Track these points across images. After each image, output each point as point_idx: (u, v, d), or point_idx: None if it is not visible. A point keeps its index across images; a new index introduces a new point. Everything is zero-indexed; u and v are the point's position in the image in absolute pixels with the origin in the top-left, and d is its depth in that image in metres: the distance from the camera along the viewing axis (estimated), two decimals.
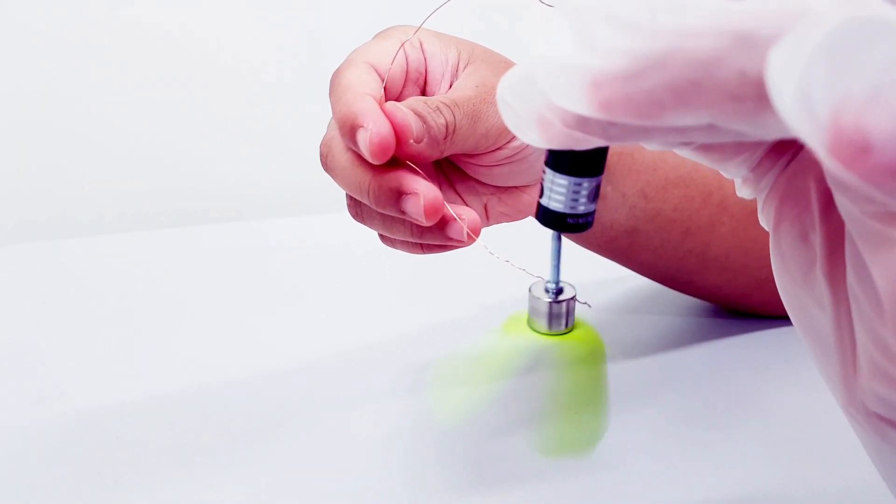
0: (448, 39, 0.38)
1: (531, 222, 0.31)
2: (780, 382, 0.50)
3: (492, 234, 0.38)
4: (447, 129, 0.34)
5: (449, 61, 0.38)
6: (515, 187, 0.40)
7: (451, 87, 0.38)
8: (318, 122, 0.39)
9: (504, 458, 0.42)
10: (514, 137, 0.37)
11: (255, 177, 0.83)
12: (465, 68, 0.38)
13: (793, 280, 0.24)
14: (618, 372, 0.50)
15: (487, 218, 0.41)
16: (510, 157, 0.37)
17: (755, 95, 0.18)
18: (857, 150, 0.15)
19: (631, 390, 0.48)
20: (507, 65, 0.39)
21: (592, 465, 0.43)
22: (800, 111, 0.16)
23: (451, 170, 0.40)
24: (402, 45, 0.36)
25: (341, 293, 0.60)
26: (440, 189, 0.39)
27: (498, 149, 0.37)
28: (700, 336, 0.54)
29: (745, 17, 0.18)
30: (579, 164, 0.27)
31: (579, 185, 0.27)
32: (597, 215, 0.48)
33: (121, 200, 0.80)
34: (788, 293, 0.25)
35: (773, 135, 0.19)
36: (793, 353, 0.52)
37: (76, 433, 0.45)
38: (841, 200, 0.20)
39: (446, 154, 0.35)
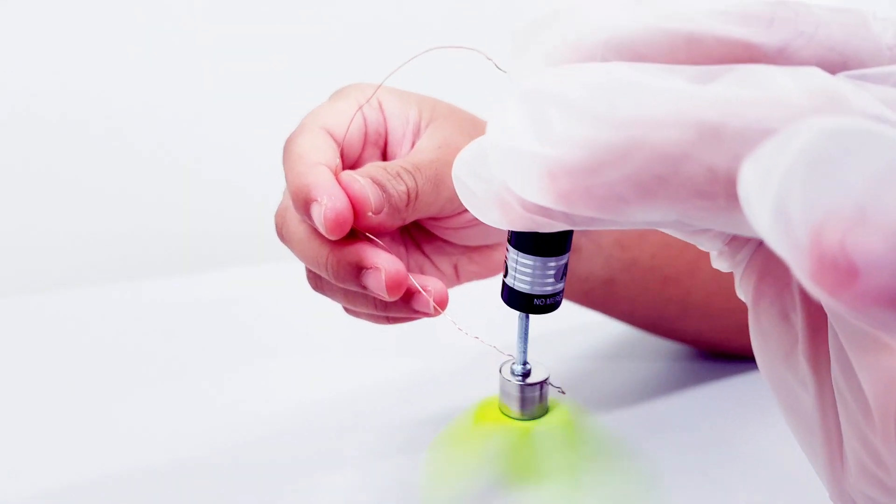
0: (408, 97, 0.36)
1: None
2: (767, 429, 0.48)
3: (465, 302, 0.36)
4: (409, 195, 0.32)
5: (410, 120, 0.36)
6: (485, 246, 0.38)
7: (412, 147, 0.36)
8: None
9: None
10: None
11: (227, 224, 0.81)
12: (426, 127, 0.36)
13: (774, 359, 0.23)
14: (597, 421, 0.48)
15: (458, 277, 0.39)
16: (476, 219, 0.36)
17: (726, 193, 0.16)
18: (842, 276, 0.13)
19: (612, 439, 0.47)
20: (470, 121, 0.37)
21: None
22: (778, 232, 0.14)
23: (417, 231, 0.38)
24: (360, 107, 0.34)
25: (308, 347, 0.58)
26: (406, 251, 0.38)
27: (464, 210, 0.35)
28: (682, 381, 0.53)
29: (713, 107, 0.16)
30: (544, 244, 0.25)
31: (546, 265, 0.26)
32: (572, 266, 0.47)
33: (77, 252, 0.78)
34: (770, 371, 0.24)
35: (746, 233, 0.17)
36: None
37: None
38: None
39: (409, 221, 0.33)
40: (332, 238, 0.30)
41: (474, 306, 0.43)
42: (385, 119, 0.36)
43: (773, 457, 0.45)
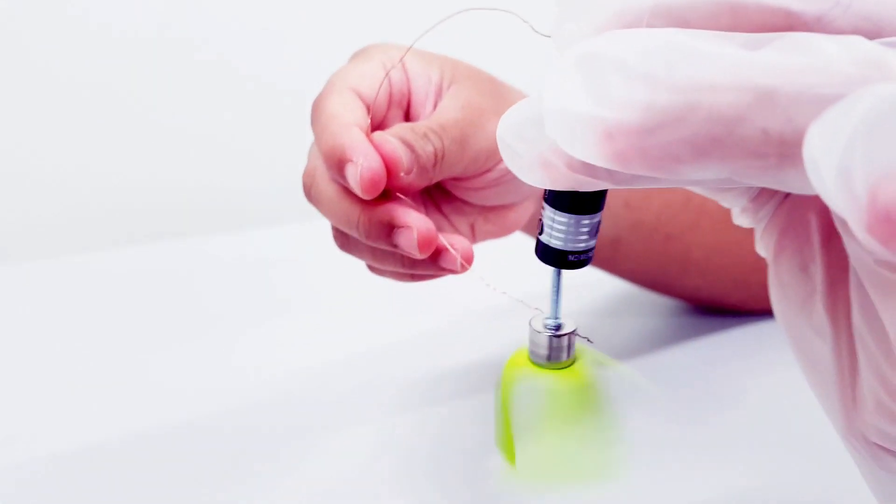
0: (430, 58, 0.37)
1: (528, 250, 0.30)
2: (764, 378, 0.50)
3: (488, 260, 0.37)
4: (436, 156, 0.33)
5: (432, 81, 0.36)
6: (502, 206, 0.39)
7: (434, 107, 0.36)
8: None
9: (496, 475, 0.42)
10: (502, 160, 0.36)
11: (247, 185, 0.81)
12: (448, 87, 0.37)
13: (791, 309, 0.24)
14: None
15: (473, 236, 0.40)
16: (498, 178, 0.37)
17: (778, 153, 0.17)
18: (894, 228, 0.14)
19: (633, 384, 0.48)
20: (490, 82, 0.38)
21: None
22: (840, 189, 0.15)
23: (436, 191, 0.39)
24: (388, 72, 0.34)
25: (330, 305, 0.59)
26: (426, 210, 0.39)
27: (486, 171, 0.36)
28: (680, 336, 0.54)
29: (768, 73, 0.17)
30: (580, 202, 0.26)
31: (580, 222, 0.27)
32: None
33: (91, 217, 0.78)
34: (786, 321, 0.25)
35: (794, 189, 0.19)
36: (774, 349, 0.52)
37: (50, 476, 0.43)
38: (853, 247, 0.20)
39: (434, 181, 0.34)
40: (367, 198, 0.31)
41: (496, 264, 0.44)
42: (408, 80, 0.36)
43: (769, 406, 0.47)
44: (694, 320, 0.56)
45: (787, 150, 0.17)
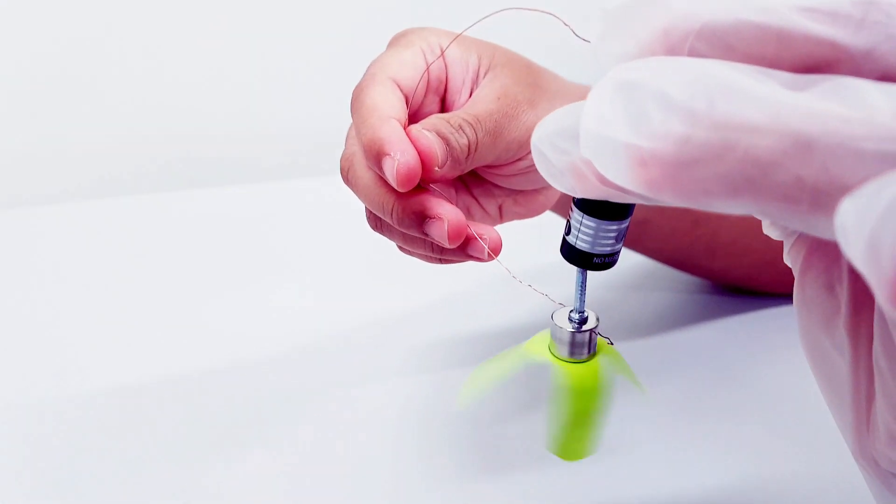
0: (468, 43, 0.37)
1: (554, 243, 0.31)
2: (786, 362, 0.49)
3: (514, 252, 0.38)
4: (469, 148, 0.33)
5: (470, 67, 0.37)
6: (531, 190, 0.40)
7: (471, 94, 0.37)
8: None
9: (509, 447, 0.43)
10: None
11: (272, 136, 0.82)
12: (485, 74, 0.37)
13: (813, 325, 0.24)
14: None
15: (501, 217, 0.41)
16: (529, 166, 0.37)
17: (810, 201, 0.18)
18: None
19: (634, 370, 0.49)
20: (527, 69, 0.38)
21: (600, 449, 0.44)
22: (868, 260, 0.16)
23: (467, 174, 0.39)
24: (429, 66, 0.35)
25: (350, 265, 0.60)
26: (455, 192, 0.39)
27: (518, 160, 0.37)
28: (702, 314, 0.55)
29: (809, 119, 0.18)
30: (610, 209, 0.27)
31: (608, 228, 0.27)
32: None
33: (128, 162, 0.79)
34: (807, 334, 0.25)
35: (822, 235, 0.19)
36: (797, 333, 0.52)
37: (98, 410, 0.46)
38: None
39: (465, 172, 0.35)
40: (402, 191, 0.32)
41: (523, 254, 0.45)
42: (446, 66, 0.37)
43: (788, 392, 0.47)
44: (718, 299, 0.56)
45: (821, 198, 0.17)
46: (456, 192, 0.39)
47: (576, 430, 0.32)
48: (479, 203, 0.40)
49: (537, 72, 0.38)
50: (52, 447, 0.43)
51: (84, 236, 0.65)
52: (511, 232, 0.42)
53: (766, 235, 0.54)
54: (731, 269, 0.53)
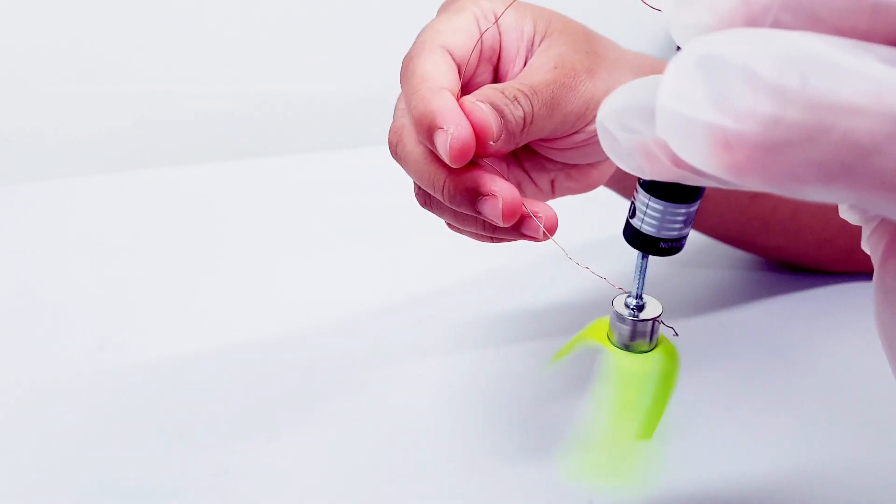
0: (523, 9, 0.35)
1: (615, 230, 0.29)
2: (845, 343, 0.48)
3: (573, 236, 0.37)
4: (525, 121, 0.32)
5: (524, 35, 0.35)
6: (586, 164, 0.38)
7: (525, 63, 0.35)
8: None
9: (550, 429, 0.42)
10: (591, 121, 0.35)
11: (314, 106, 0.81)
12: (540, 42, 0.35)
13: (893, 316, 0.23)
14: (666, 331, 0.49)
15: (553, 192, 0.39)
16: (585, 140, 0.35)
17: None
18: None
19: (681, 350, 0.48)
20: (585, 36, 0.36)
21: None
22: None
23: (519, 147, 0.38)
24: (482, 34, 0.33)
25: (397, 241, 0.59)
26: (507, 166, 0.38)
27: (574, 133, 0.35)
28: (758, 292, 0.53)
29: None
30: (679, 192, 0.25)
31: (676, 211, 0.26)
32: None
33: (162, 135, 0.79)
34: (886, 326, 0.24)
35: None
36: (857, 310, 0.50)
37: (139, 383, 0.46)
38: None
39: (520, 145, 0.33)
40: (455, 166, 0.30)
41: (575, 231, 0.43)
42: (500, 34, 0.35)
43: (845, 376, 0.46)
44: (774, 276, 0.54)
45: None
46: (507, 166, 0.38)
47: (626, 420, 0.30)
48: (530, 178, 0.38)
49: (595, 39, 0.36)
50: (66, 428, 0.43)
51: (102, 211, 0.65)
52: (562, 207, 0.40)
53: (823, 212, 0.52)
54: (787, 246, 0.51)
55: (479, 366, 0.47)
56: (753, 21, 0.18)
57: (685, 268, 0.55)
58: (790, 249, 0.51)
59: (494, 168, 0.32)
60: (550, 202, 0.39)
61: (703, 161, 0.18)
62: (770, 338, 0.49)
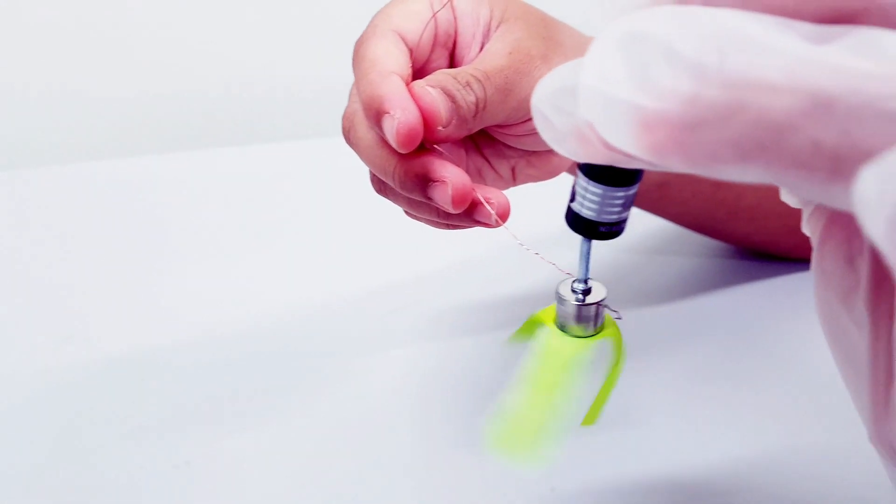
0: None
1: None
2: (810, 329, 0.48)
3: (524, 220, 0.37)
4: (477, 106, 0.32)
5: (481, 20, 0.35)
6: (546, 150, 0.38)
7: (481, 48, 0.35)
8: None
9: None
10: None
11: (274, 94, 0.80)
12: (497, 27, 0.35)
13: (832, 297, 0.23)
14: (634, 318, 0.49)
15: (514, 179, 0.39)
16: None
17: (829, 168, 0.16)
18: None
19: (648, 338, 0.48)
20: (542, 21, 0.36)
21: (606, 419, 0.43)
22: (890, 239, 0.14)
23: (477, 134, 0.37)
24: (434, 14, 0.33)
25: (353, 230, 0.59)
26: (466, 153, 0.38)
27: (529, 119, 0.35)
28: (725, 279, 0.53)
29: (830, 76, 0.16)
30: (616, 175, 0.25)
31: (614, 194, 0.26)
32: None
33: (134, 123, 0.78)
34: (825, 307, 0.24)
35: (841, 207, 0.17)
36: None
37: (103, 376, 0.45)
38: None
39: (474, 131, 0.33)
40: (402, 151, 0.30)
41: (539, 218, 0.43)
42: (456, 19, 0.35)
43: (809, 360, 0.46)
44: (741, 263, 0.54)
45: (840, 165, 0.16)
46: (466, 153, 0.38)
47: (548, 400, 0.30)
48: (490, 165, 0.38)
49: (553, 25, 0.36)
50: (27, 420, 0.43)
51: (78, 199, 0.65)
52: (525, 195, 0.40)
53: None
54: (753, 234, 0.51)
55: (448, 355, 0.47)
56: None
57: (654, 255, 0.55)
58: (756, 236, 0.51)
59: (446, 154, 0.31)
60: (513, 189, 0.39)
61: (625, 141, 0.18)
62: (737, 324, 0.50)
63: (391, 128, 0.29)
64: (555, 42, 0.35)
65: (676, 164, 0.18)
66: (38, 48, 0.74)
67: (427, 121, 0.30)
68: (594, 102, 0.18)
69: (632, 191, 0.26)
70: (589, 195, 0.25)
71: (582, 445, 0.41)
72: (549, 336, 0.28)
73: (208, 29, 0.77)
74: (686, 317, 0.50)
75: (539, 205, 0.44)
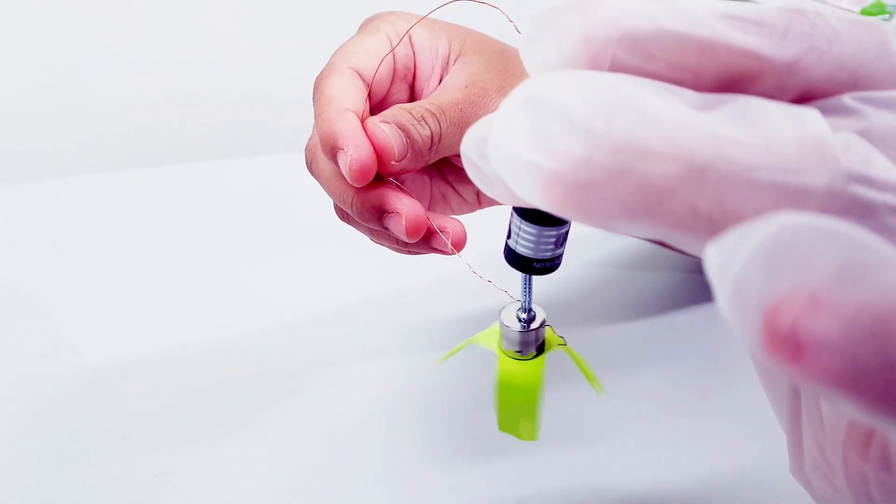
0: (439, 28, 0.36)
1: None
2: None
3: (481, 247, 0.38)
4: (432, 140, 0.33)
5: (439, 54, 0.36)
6: None
7: (440, 82, 0.36)
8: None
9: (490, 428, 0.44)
10: None
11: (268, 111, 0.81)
12: (455, 60, 0.36)
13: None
14: (610, 332, 0.50)
15: (480, 203, 0.40)
16: None
17: (706, 230, 0.17)
18: (790, 352, 0.14)
19: (623, 353, 0.49)
20: (500, 54, 0.37)
21: (581, 434, 0.44)
22: (734, 311, 0.15)
23: (441, 160, 0.39)
24: (390, 51, 0.34)
25: (343, 244, 0.60)
26: (430, 179, 0.39)
27: None
28: (700, 294, 0.54)
29: (706, 144, 0.17)
30: (546, 217, 0.27)
31: (546, 233, 0.27)
32: None
33: (122, 137, 0.79)
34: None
35: None
36: None
37: (88, 386, 0.47)
38: None
39: (431, 162, 0.34)
40: (357, 185, 0.31)
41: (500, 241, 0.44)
42: (414, 53, 0.36)
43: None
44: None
45: (717, 229, 0.16)
46: (430, 179, 0.39)
47: (517, 420, 0.32)
48: (455, 190, 0.39)
49: (511, 58, 0.37)
50: (10, 429, 0.44)
51: (75, 212, 0.66)
52: (491, 216, 0.42)
53: None
54: None
55: (421, 370, 0.48)
56: (595, 58, 0.19)
57: (627, 270, 0.56)
58: None
59: (402, 187, 0.33)
60: (469, 215, 0.40)
61: (531, 196, 0.19)
62: (713, 340, 0.50)
63: (345, 163, 0.31)
64: (511, 74, 0.36)
65: (577, 219, 0.19)
66: (24, 59, 0.76)
67: (381, 155, 0.31)
68: (502, 159, 0.19)
69: (563, 230, 0.27)
70: (523, 234, 0.27)
71: (551, 460, 0.42)
72: (499, 361, 0.29)
73: (206, 38, 0.78)
74: (662, 331, 0.51)
75: (504, 227, 0.45)
